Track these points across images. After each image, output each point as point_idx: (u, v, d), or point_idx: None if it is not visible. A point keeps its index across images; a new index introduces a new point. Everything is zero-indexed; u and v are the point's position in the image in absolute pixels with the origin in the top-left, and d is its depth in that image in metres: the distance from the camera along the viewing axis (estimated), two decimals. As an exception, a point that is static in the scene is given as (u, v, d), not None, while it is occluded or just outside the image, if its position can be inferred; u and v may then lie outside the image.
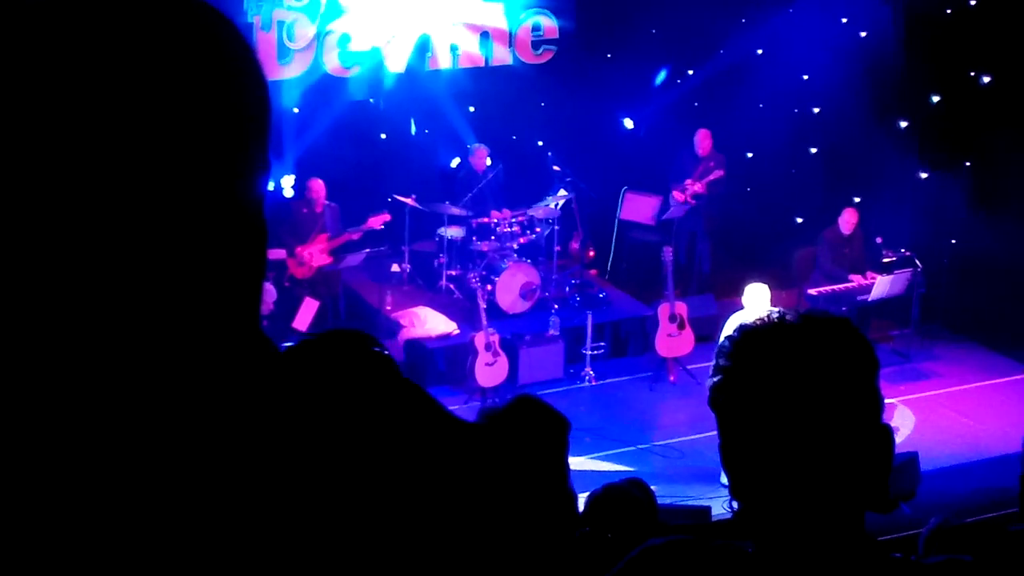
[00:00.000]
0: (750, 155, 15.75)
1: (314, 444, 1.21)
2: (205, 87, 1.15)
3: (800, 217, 15.20)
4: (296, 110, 14.41)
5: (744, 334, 2.08)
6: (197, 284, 1.17)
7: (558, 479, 3.67)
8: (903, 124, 14.67)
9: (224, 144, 1.17)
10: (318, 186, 13.65)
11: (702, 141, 14.97)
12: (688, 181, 14.86)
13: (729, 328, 11.11)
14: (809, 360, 2.02)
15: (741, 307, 11.26)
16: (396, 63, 14.99)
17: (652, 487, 10.40)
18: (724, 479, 7.66)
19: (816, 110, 15.72)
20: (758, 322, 2.09)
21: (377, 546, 1.21)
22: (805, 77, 15.54)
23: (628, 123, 16.09)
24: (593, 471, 11.12)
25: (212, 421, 1.17)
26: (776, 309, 2.11)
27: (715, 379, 2.09)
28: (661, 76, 16.17)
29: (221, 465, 1.17)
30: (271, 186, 13.55)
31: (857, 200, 14.57)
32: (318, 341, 1.29)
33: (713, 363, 2.12)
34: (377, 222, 13.84)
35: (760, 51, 15.75)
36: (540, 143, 15.87)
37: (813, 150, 15.93)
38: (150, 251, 1.13)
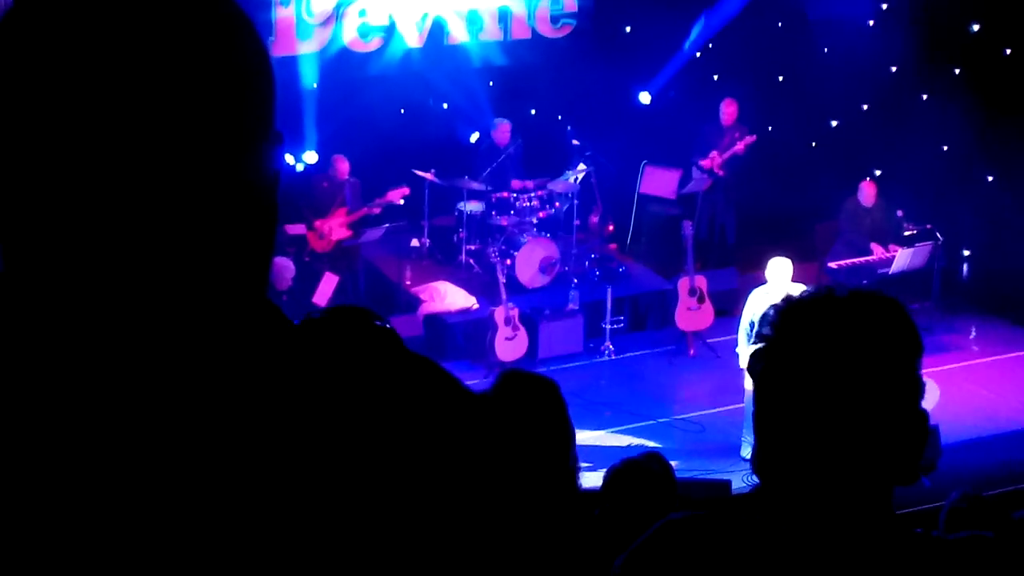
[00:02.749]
0: (770, 128, 15.68)
1: (319, 418, 1.21)
2: (205, 60, 1.15)
3: (820, 191, 15.06)
4: (315, 85, 14.40)
5: (791, 304, 2.07)
6: (204, 258, 1.18)
7: (563, 440, 3.66)
8: (924, 96, 14.58)
9: (227, 116, 1.17)
10: (342, 163, 13.65)
11: (727, 110, 14.90)
12: (714, 152, 14.79)
13: (751, 302, 11.15)
14: (853, 336, 2.00)
15: (763, 281, 11.23)
16: (415, 38, 14.97)
17: (672, 461, 10.44)
18: (745, 452, 7.72)
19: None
20: (806, 293, 2.08)
21: (379, 524, 1.21)
22: (825, 50, 15.48)
23: (644, 97, 16.01)
24: (612, 445, 11.15)
25: (215, 396, 1.17)
26: (824, 285, 2.09)
27: (756, 346, 2.08)
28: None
29: (225, 440, 1.17)
30: (291, 160, 13.57)
31: (878, 173, 14.53)
32: (322, 319, 1.29)
33: (756, 329, 2.11)
34: (396, 196, 13.84)
35: (780, 23, 15.69)
36: (559, 117, 15.83)
37: (834, 123, 15.88)
38: (156, 226, 1.14)
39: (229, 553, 1.15)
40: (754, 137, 14.69)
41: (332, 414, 1.21)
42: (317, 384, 1.22)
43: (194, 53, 1.14)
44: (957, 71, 14.40)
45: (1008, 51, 14.04)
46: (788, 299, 2.09)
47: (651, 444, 11.10)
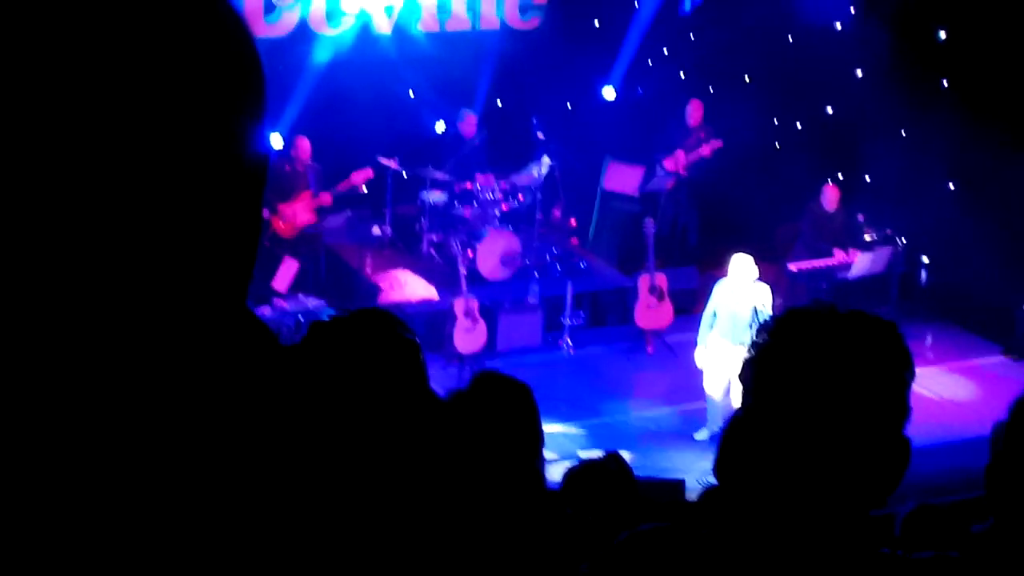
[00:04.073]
0: (735, 128, 15.72)
1: (302, 425, 1.19)
2: (194, 40, 1.12)
3: (783, 193, 15.10)
4: (281, 68, 14.31)
5: (790, 314, 2.06)
6: (194, 249, 1.14)
7: (532, 444, 3.70)
8: (889, 103, 14.62)
9: (225, 101, 1.15)
10: (304, 144, 13.60)
11: (693, 112, 14.99)
12: (679, 153, 14.86)
13: (714, 296, 11.26)
14: (847, 354, 1.99)
15: (724, 277, 11.37)
16: (384, 24, 14.91)
17: (628, 455, 10.43)
18: (700, 435, 7.64)
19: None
20: (808, 306, 2.07)
21: (359, 529, 1.20)
22: (790, 38, 15.51)
23: (609, 92, 16.02)
24: (567, 436, 11.18)
25: (196, 397, 1.15)
26: (825, 301, 2.09)
27: (750, 354, 2.06)
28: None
29: (205, 446, 1.14)
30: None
31: (841, 177, 14.58)
32: (349, 320, 1.27)
33: (752, 338, 2.10)
34: (360, 177, 13.78)
35: (749, 24, 15.70)
36: (525, 110, 15.80)
37: (799, 125, 15.91)
38: (150, 212, 1.10)
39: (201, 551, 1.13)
40: (720, 142, 14.76)
41: (299, 417, 1.20)
42: (300, 389, 1.21)
43: (183, 33, 1.11)
44: (923, 78, 14.46)
45: (975, 60, 14.08)
46: (788, 309, 2.09)
47: (598, 442, 11.12)
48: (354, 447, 1.21)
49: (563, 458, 9.70)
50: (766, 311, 11.03)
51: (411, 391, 1.27)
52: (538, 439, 3.75)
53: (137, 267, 1.11)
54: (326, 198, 13.63)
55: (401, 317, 9.02)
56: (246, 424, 1.17)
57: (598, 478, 5.22)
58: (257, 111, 1.20)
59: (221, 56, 1.14)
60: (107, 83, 1.07)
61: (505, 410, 3.56)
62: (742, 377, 2.08)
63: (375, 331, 1.16)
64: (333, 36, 14.74)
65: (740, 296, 11.07)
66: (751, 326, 11.02)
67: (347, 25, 14.77)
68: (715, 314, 11.30)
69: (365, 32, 14.85)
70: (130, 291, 1.11)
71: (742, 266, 11.16)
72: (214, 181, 1.15)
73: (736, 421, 2.09)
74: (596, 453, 5.93)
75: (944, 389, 12.70)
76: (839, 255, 13.66)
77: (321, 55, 14.61)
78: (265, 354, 1.22)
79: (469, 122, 14.71)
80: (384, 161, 14.27)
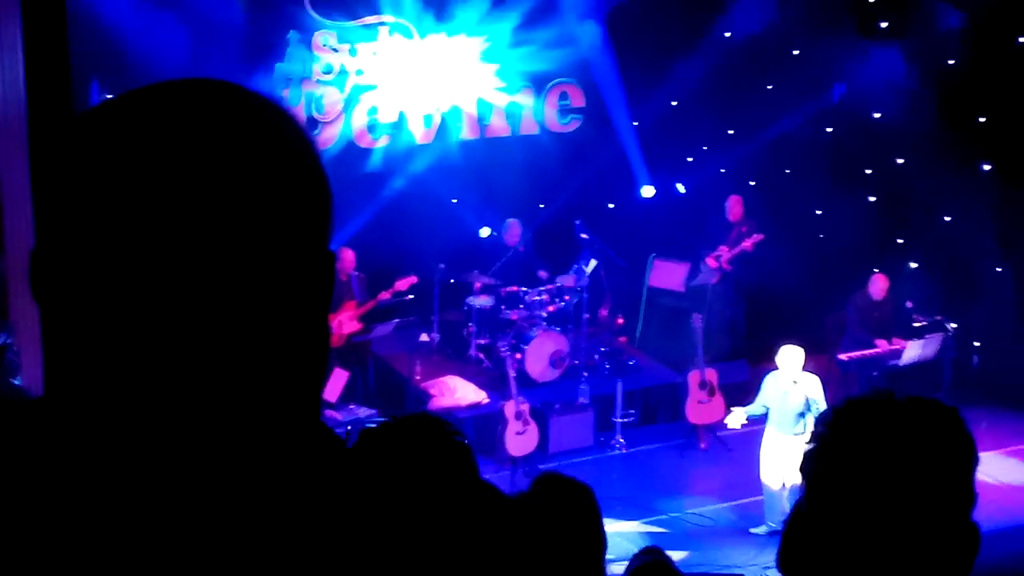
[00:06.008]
0: (776, 220, 15.73)
1: (375, 534, 1.21)
2: (279, 174, 1.21)
3: (829, 283, 15.02)
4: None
5: (848, 404, 2.04)
6: (268, 375, 1.19)
7: (596, 548, 3.66)
8: (931, 187, 14.58)
9: (310, 218, 1.26)
10: (348, 255, 13.69)
11: (733, 207, 15.05)
12: (723, 248, 14.90)
13: (765, 388, 11.23)
14: (908, 442, 1.97)
15: (774, 369, 11.33)
16: (423, 134, 15.09)
17: (684, 554, 10.33)
18: (758, 530, 7.52)
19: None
20: (866, 395, 2.05)
21: None
22: (829, 130, 15.58)
23: (648, 191, 16.07)
24: (623, 535, 11.07)
25: (272, 511, 1.17)
26: (883, 389, 2.07)
27: (810, 446, 2.05)
28: None
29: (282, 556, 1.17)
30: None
31: (886, 265, 14.53)
32: (397, 426, 1.28)
33: (812, 430, 2.07)
34: (404, 284, 13.81)
35: (785, 117, 15.77)
36: (567, 211, 15.88)
37: (842, 215, 15.89)
38: (222, 351, 1.15)
39: None
40: (762, 236, 14.78)
41: (379, 527, 1.22)
42: (368, 500, 1.23)
43: (269, 169, 1.20)
44: (965, 162, 14.42)
45: (1017, 142, 14.06)
46: (846, 399, 2.06)
47: (660, 531, 11.02)
48: (420, 552, 1.23)
49: (618, 559, 9.62)
50: (819, 401, 10.99)
51: (467, 492, 1.28)
52: (601, 542, 3.73)
53: (243, 368, 1.17)
54: (371, 307, 13.69)
55: (452, 422, 8.94)
56: (317, 537, 1.18)
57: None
58: (328, 221, 1.30)
59: (308, 186, 1.26)
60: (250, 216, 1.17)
61: (569, 513, 3.53)
62: (803, 469, 2.05)
63: (425, 435, 1.17)
64: (374, 148, 14.91)
65: (790, 387, 11.06)
66: (803, 416, 10.99)
67: (387, 139, 14.94)
68: (766, 407, 11.28)
69: (404, 141, 15.01)
70: (196, 413, 1.15)
71: (791, 357, 11.16)
72: (299, 279, 1.23)
73: (799, 513, 2.05)
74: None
75: (1003, 474, 12.51)
76: (883, 345, 13.57)
77: (363, 167, 14.76)
78: (338, 466, 1.25)
79: (513, 230, 14.80)
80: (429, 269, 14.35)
